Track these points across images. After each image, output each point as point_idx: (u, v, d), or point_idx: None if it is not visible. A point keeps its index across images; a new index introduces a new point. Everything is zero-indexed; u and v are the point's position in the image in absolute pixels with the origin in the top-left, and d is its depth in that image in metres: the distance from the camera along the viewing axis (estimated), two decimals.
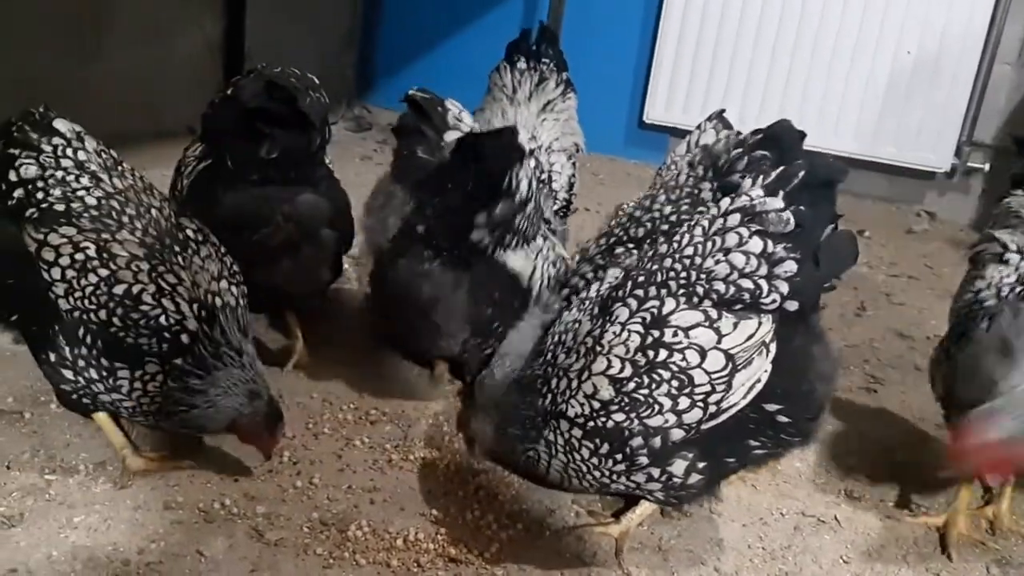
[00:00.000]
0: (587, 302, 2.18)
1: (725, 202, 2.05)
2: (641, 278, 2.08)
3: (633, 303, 2.04)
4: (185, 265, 2.22)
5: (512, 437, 2.18)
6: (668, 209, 2.44)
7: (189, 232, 2.31)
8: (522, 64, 3.83)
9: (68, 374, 2.21)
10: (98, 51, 4.35)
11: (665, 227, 2.41)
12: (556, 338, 2.18)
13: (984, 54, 5.06)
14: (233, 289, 2.31)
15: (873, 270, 4.37)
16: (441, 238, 2.57)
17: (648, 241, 2.41)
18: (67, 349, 2.17)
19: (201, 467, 2.39)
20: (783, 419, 2.08)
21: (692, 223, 2.09)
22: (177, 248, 2.24)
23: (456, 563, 2.18)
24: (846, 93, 5.21)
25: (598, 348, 2.04)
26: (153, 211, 2.29)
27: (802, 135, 2.43)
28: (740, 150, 2.46)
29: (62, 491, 2.25)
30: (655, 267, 2.08)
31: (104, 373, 2.18)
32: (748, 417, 2.05)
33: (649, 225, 2.45)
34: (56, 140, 2.26)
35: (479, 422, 2.28)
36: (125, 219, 2.22)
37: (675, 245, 2.07)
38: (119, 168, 2.34)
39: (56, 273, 2.15)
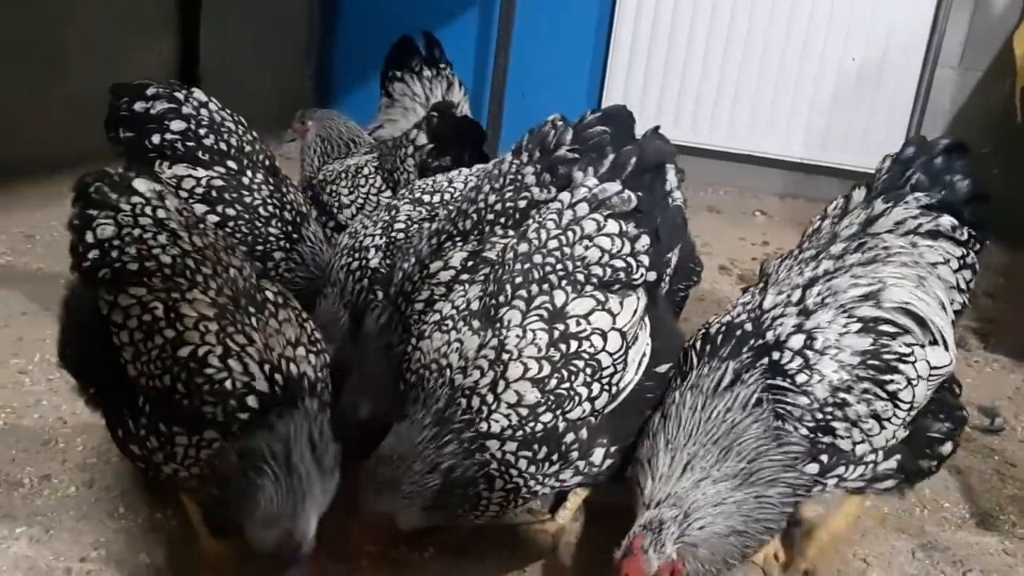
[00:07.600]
0: (449, 321, 2.11)
1: (566, 196, 2.14)
2: (518, 279, 2.08)
3: (521, 304, 2.05)
4: (259, 327, 2.04)
5: (459, 496, 2.07)
6: (492, 198, 2.45)
7: (269, 294, 2.16)
8: (428, 72, 3.97)
9: (135, 448, 2.05)
10: (56, 76, 4.38)
11: (491, 217, 2.43)
12: (439, 373, 2.07)
13: (927, 58, 5.19)
14: (311, 358, 2.09)
15: None
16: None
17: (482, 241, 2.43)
18: (131, 423, 2.03)
19: (143, 480, 2.40)
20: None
21: (540, 219, 2.14)
22: (253, 309, 2.08)
23: (396, 564, 2.24)
24: (795, 101, 5.33)
25: (506, 355, 2.02)
26: (232, 271, 2.16)
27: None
28: (570, 126, 2.42)
29: (6, 503, 2.29)
30: (526, 266, 2.09)
31: (163, 440, 1.99)
32: (645, 387, 2.13)
33: (475, 217, 2.45)
34: (135, 199, 2.17)
35: (393, 503, 2.08)
36: (199, 278, 2.10)
37: (535, 242, 2.11)
38: (201, 226, 2.24)
39: (125, 336, 2.02)
